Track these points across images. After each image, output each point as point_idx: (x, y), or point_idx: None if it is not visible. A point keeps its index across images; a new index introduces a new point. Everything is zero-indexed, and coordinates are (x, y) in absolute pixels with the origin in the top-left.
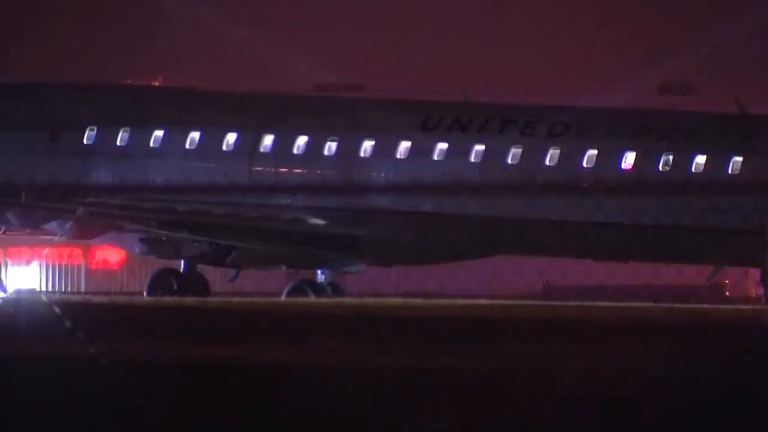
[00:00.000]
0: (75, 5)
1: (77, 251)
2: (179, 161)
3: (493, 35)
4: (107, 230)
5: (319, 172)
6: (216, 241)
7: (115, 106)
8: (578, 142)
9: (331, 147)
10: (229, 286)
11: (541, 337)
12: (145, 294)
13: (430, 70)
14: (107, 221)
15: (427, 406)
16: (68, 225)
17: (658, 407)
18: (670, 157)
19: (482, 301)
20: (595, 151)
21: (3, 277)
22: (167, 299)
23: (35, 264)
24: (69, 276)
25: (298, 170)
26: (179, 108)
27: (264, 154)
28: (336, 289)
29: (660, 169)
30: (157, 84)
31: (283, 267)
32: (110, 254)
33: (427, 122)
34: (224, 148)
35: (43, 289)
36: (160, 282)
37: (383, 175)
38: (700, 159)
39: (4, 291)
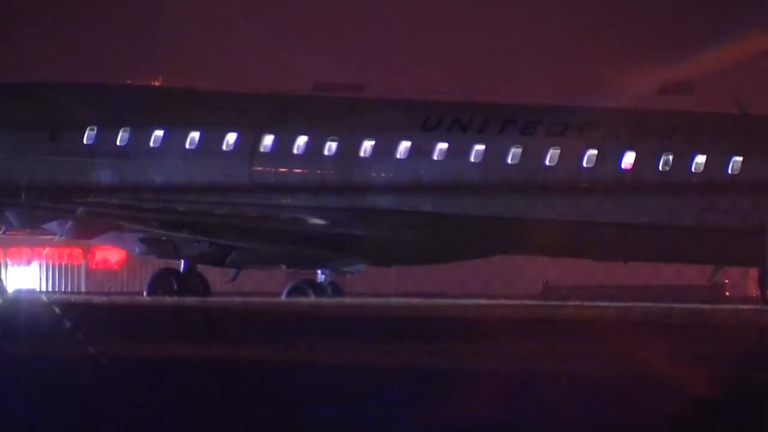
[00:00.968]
0: (75, 5)
1: (77, 251)
2: (179, 161)
3: (493, 35)
4: (107, 230)
5: (319, 172)
6: (216, 241)
7: (115, 106)
8: (578, 142)
9: (331, 147)
10: (229, 286)
11: (541, 337)
12: (145, 294)
13: (430, 70)
14: (107, 221)
15: (426, 406)
16: (68, 225)
17: (658, 407)
18: (670, 157)
19: (482, 301)
20: (595, 151)
21: (3, 277)
22: (167, 299)
23: (35, 264)
24: (69, 276)
25: (298, 170)
26: (179, 108)
27: (264, 154)
28: (336, 289)
29: (660, 169)
30: (157, 84)
31: (283, 267)
32: (110, 254)
33: (427, 122)
34: (224, 148)
35: (43, 289)
36: (160, 282)
37: (383, 175)
38: (700, 159)
39: (4, 291)
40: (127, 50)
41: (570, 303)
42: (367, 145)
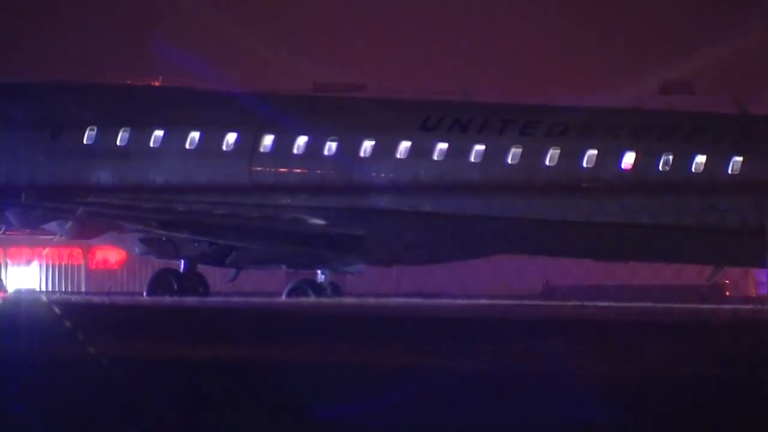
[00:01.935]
0: (75, 5)
1: (77, 251)
2: (179, 161)
3: (493, 35)
4: (107, 230)
5: (319, 172)
6: (216, 241)
7: (115, 106)
8: (578, 142)
9: (331, 147)
10: (229, 286)
11: (540, 337)
12: (145, 294)
13: (430, 70)
14: (107, 221)
15: (426, 406)
16: (68, 225)
17: (658, 407)
18: (670, 157)
19: (482, 301)
20: (595, 151)
21: (3, 277)
22: (167, 299)
23: (35, 264)
24: (69, 276)
25: (298, 170)
26: (179, 108)
27: (264, 154)
28: (336, 289)
29: (660, 169)
30: (157, 84)
31: (283, 267)
32: (110, 254)
33: (427, 122)
34: (224, 148)
35: (43, 289)
36: (160, 282)
37: (383, 175)
38: (700, 159)
39: (4, 291)
40: (127, 50)
41: (570, 303)
42: (367, 145)
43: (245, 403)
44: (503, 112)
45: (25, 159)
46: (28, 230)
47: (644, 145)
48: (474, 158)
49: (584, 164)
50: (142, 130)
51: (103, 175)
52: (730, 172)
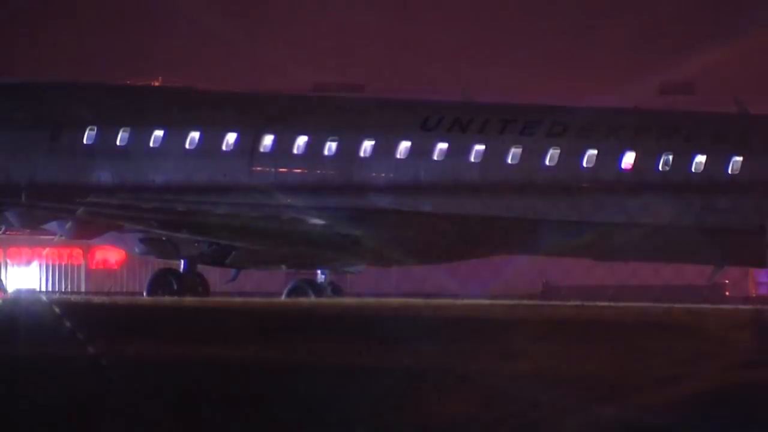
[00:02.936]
0: (75, 5)
1: (77, 251)
2: (179, 161)
3: (493, 35)
4: (107, 230)
5: (319, 172)
6: (216, 241)
7: (115, 106)
8: (578, 142)
9: (331, 147)
10: (229, 286)
11: (540, 337)
12: (145, 294)
13: (430, 70)
14: (107, 221)
15: (426, 406)
16: (68, 225)
17: (657, 407)
18: (670, 157)
19: (482, 301)
20: (595, 151)
21: (3, 277)
22: (167, 299)
23: (35, 264)
24: (69, 276)
25: (298, 170)
26: (179, 108)
27: (264, 154)
28: (336, 289)
29: (660, 169)
30: (157, 84)
31: (283, 267)
32: (110, 254)
33: (427, 122)
34: (224, 148)
35: (43, 289)
36: (160, 282)
37: (383, 175)
38: (700, 159)
39: (4, 291)
40: (127, 50)
41: (570, 303)
42: (367, 145)
43: (245, 403)
44: (503, 112)
45: (25, 159)
46: (28, 230)
47: (644, 145)
48: (474, 158)
49: (584, 164)
50: (142, 130)
51: (103, 175)
52: (730, 172)
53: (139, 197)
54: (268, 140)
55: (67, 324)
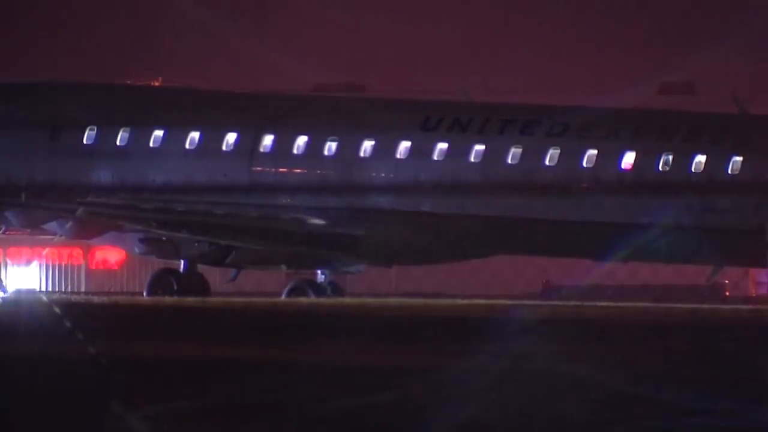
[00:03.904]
0: (75, 5)
1: (77, 251)
2: (179, 161)
3: (493, 35)
4: (107, 230)
5: (319, 172)
6: (216, 241)
7: (115, 106)
8: (578, 142)
9: (331, 147)
10: (229, 286)
11: (540, 337)
12: (145, 294)
13: (430, 70)
14: (107, 221)
15: (426, 406)
16: (68, 225)
17: (657, 407)
18: (670, 157)
19: (482, 301)
20: (595, 151)
21: (3, 277)
22: (167, 299)
23: (35, 264)
24: (69, 276)
25: (298, 170)
26: (179, 108)
27: (264, 154)
28: (336, 289)
29: (660, 169)
30: (157, 84)
31: (283, 267)
32: (110, 254)
33: (427, 122)
34: (224, 148)
35: (43, 289)
36: (160, 282)
37: (383, 175)
38: (700, 159)
39: (4, 291)
40: (127, 50)
41: (570, 303)
42: (367, 145)
43: (245, 402)
44: (503, 112)
45: (25, 159)
46: (28, 230)
47: (644, 145)
48: (474, 158)
49: (584, 164)
50: (142, 130)
51: (103, 175)
52: (730, 172)
53: (139, 197)
54: (268, 140)
55: (67, 324)
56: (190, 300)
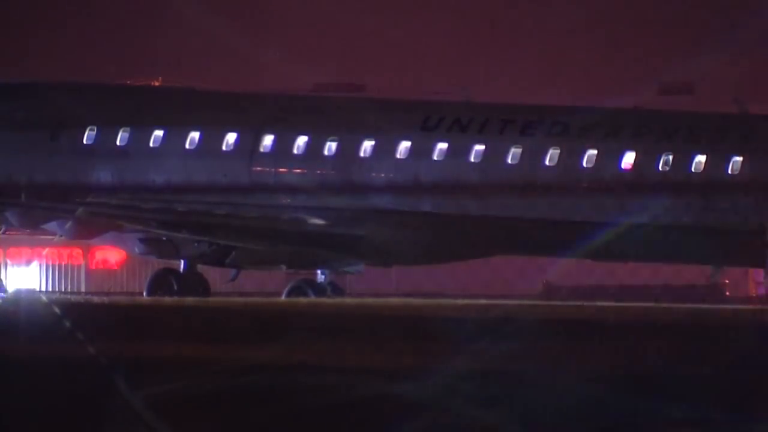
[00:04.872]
0: (75, 5)
1: (77, 251)
2: (179, 161)
3: (493, 35)
4: (107, 230)
5: (319, 172)
6: (216, 241)
7: (115, 106)
8: (578, 142)
9: (331, 147)
10: (229, 286)
11: (541, 337)
12: (145, 294)
13: (430, 70)
14: (107, 221)
15: (426, 406)
16: (68, 225)
17: (657, 407)
18: (670, 157)
19: (482, 301)
20: (595, 151)
21: (3, 277)
22: (167, 299)
23: (35, 264)
24: (69, 276)
25: (298, 170)
26: (179, 108)
27: (264, 154)
28: (336, 289)
29: (660, 169)
30: (157, 84)
31: (283, 267)
32: (110, 254)
33: (427, 122)
34: (224, 148)
35: (43, 289)
36: (160, 282)
37: (383, 175)
38: (700, 159)
39: (4, 291)
40: (127, 50)
41: (570, 303)
42: (367, 145)
43: (245, 403)
44: (503, 112)
45: (25, 159)
46: (28, 230)
47: (644, 145)
48: (474, 158)
49: (584, 164)
50: (142, 130)
51: (103, 175)
52: (730, 172)
53: (139, 197)
54: (268, 140)
55: (67, 324)
56: (190, 300)
